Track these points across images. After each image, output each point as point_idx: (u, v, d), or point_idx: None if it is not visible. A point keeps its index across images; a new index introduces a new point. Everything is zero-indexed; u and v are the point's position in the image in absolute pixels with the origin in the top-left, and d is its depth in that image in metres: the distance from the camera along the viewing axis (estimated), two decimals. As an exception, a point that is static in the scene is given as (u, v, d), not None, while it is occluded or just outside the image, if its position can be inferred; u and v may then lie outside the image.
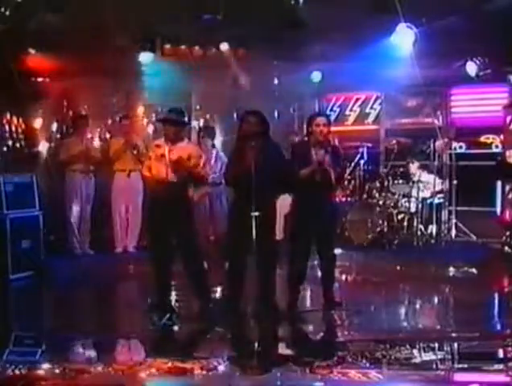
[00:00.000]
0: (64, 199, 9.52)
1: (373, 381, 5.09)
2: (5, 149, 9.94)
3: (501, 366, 5.41)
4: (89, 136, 9.91)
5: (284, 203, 8.80)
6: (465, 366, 5.60)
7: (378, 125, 11.83)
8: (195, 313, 6.69)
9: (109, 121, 10.72)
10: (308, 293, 7.42)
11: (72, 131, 9.98)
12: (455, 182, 10.65)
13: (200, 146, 8.98)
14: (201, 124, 11.35)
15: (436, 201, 10.49)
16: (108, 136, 10.55)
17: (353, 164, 10.67)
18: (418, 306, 7.63)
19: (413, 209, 10.19)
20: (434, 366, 5.37)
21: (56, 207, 9.64)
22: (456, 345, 5.99)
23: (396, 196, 10.29)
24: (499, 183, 10.26)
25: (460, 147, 10.95)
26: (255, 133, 6.39)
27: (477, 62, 10.14)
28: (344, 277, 8.49)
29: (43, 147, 10.30)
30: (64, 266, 8.72)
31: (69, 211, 9.43)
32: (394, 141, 10.65)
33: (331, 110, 11.77)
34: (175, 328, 6.40)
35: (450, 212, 10.68)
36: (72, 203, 9.47)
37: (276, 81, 11.43)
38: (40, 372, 5.13)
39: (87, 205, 9.62)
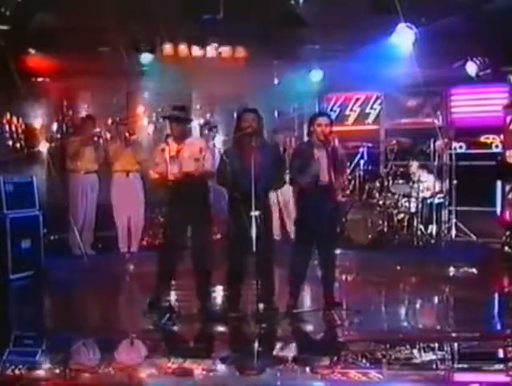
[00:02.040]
0: (66, 199, 9.49)
1: (373, 381, 5.10)
2: (5, 149, 9.95)
3: (501, 366, 5.42)
4: (94, 136, 9.87)
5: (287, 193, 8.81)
6: (465, 366, 5.60)
7: (378, 125, 11.83)
8: (195, 313, 6.69)
9: (109, 121, 10.71)
10: (308, 293, 7.43)
11: (77, 131, 9.97)
12: (455, 182, 10.64)
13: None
14: (201, 122, 11.34)
15: (436, 201, 10.49)
16: (108, 136, 10.54)
17: (353, 164, 10.66)
18: (418, 306, 7.63)
19: (413, 209, 10.19)
20: (434, 366, 5.37)
21: (57, 207, 9.64)
22: (456, 345, 5.99)
23: (396, 196, 10.28)
24: (499, 183, 10.26)
25: (460, 147, 10.95)
26: (253, 130, 6.44)
27: (477, 62, 10.13)
28: (344, 277, 8.49)
29: (43, 147, 10.30)
30: (65, 266, 8.72)
31: (73, 211, 9.41)
32: (394, 141, 10.64)
33: (331, 110, 11.76)
34: (175, 328, 6.40)
35: (450, 212, 10.68)
36: (76, 203, 9.46)
37: (276, 80, 11.43)
38: (40, 372, 5.13)
39: (91, 205, 9.62)
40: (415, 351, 5.81)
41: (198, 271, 6.77)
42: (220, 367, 5.32)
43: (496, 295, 7.92)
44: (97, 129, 9.97)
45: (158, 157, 6.81)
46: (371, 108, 11.87)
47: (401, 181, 10.35)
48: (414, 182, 10.17)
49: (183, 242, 6.74)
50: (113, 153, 9.60)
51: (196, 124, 10.97)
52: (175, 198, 6.67)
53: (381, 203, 10.26)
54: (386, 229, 10.10)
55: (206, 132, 9.84)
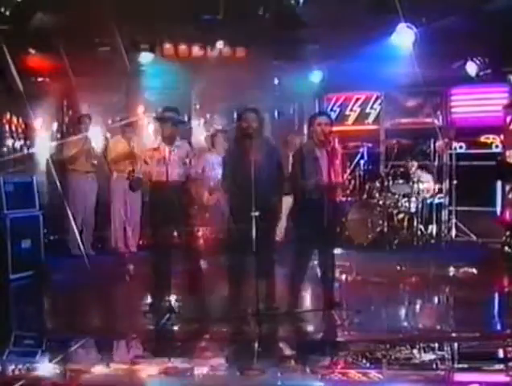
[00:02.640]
0: (66, 199, 9.49)
1: (373, 381, 5.10)
2: (5, 149, 9.95)
3: (501, 366, 5.42)
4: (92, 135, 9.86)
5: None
6: (465, 366, 5.60)
7: (378, 125, 11.83)
8: (194, 313, 6.70)
9: (109, 121, 10.71)
10: (308, 293, 7.42)
11: (75, 130, 9.97)
12: (455, 182, 10.65)
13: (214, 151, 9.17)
14: (201, 123, 11.35)
15: (436, 201, 10.49)
16: (108, 135, 10.53)
17: (353, 164, 10.66)
18: (418, 306, 7.63)
19: (413, 209, 10.20)
20: (434, 366, 5.37)
21: (57, 207, 9.64)
22: (456, 345, 5.99)
23: (396, 196, 10.28)
24: (499, 183, 10.26)
25: (460, 147, 10.96)
26: (255, 130, 6.44)
27: (477, 62, 10.14)
28: (344, 277, 8.48)
29: (43, 147, 10.30)
30: (64, 266, 8.72)
31: (72, 211, 9.40)
32: (394, 141, 10.64)
33: (331, 110, 11.76)
34: (175, 328, 6.39)
35: (450, 212, 10.68)
36: (76, 202, 9.46)
37: (276, 81, 11.43)
38: (40, 372, 5.13)
39: (90, 205, 9.62)
40: (415, 351, 5.80)
41: (189, 271, 6.80)
42: (221, 367, 5.32)
43: (496, 295, 7.92)
44: (98, 129, 9.98)
45: (148, 158, 6.82)
46: (371, 108, 11.88)
47: (401, 181, 10.35)
48: (414, 182, 10.18)
49: (172, 243, 6.73)
50: (114, 153, 9.62)
51: (196, 124, 11.00)
52: (161, 200, 6.66)
53: (381, 203, 10.27)
54: (386, 229, 10.10)
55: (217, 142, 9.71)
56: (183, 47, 10.34)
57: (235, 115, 10.40)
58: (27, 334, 6.26)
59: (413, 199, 10.19)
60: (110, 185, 9.71)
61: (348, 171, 10.50)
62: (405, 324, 6.85)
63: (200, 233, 8.32)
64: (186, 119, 10.27)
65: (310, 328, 6.54)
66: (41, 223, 8.63)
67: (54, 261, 8.75)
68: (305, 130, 10.99)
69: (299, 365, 5.42)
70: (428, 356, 5.68)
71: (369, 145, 10.96)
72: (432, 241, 10.22)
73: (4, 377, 4.94)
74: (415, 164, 10.34)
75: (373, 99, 11.85)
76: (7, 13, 8.65)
